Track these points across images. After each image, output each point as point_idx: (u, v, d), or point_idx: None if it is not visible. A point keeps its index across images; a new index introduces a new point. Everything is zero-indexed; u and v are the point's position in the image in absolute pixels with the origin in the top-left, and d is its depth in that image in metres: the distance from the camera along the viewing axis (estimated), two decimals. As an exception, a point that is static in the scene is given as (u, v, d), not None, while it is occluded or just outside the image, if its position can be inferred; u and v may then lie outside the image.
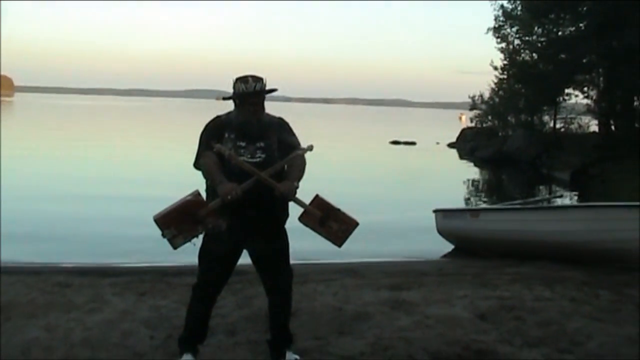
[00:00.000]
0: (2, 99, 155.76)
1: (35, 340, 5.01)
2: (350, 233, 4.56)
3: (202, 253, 4.49)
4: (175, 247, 4.29)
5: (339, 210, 4.51)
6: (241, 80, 4.37)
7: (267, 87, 4.42)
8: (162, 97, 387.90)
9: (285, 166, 4.42)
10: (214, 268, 4.50)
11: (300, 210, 4.44)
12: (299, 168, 4.43)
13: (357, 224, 4.55)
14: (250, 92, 4.33)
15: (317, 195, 4.50)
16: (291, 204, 4.41)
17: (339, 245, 4.58)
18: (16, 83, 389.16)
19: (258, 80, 4.37)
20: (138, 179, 19.31)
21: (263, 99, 4.47)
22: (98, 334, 5.24)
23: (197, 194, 4.27)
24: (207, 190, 4.40)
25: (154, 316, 5.82)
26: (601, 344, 5.31)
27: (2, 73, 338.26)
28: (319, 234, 4.53)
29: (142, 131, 46.57)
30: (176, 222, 4.20)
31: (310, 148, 4.57)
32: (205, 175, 4.38)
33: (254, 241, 4.44)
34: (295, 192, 4.31)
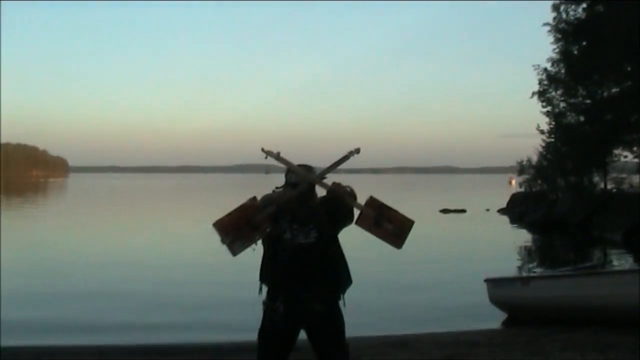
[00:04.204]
0: (52, 180, 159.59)
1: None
2: (407, 233, 4.43)
3: (261, 333, 4.63)
4: (234, 253, 4.38)
5: (392, 209, 4.44)
6: (293, 171, 4.57)
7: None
8: (213, 173, 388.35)
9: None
10: (273, 348, 4.60)
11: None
12: (349, 187, 4.54)
13: (412, 222, 4.45)
14: (300, 191, 4.48)
15: (370, 197, 4.51)
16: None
17: (399, 246, 4.46)
18: (71, 164, 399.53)
19: (308, 170, 4.58)
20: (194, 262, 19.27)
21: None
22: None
23: (253, 198, 4.42)
24: (261, 266, 4.57)
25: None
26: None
27: (57, 154, 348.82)
28: (377, 236, 4.44)
29: (191, 211, 47.07)
30: (234, 227, 4.32)
31: (357, 151, 4.54)
32: (264, 204, 4.45)
33: (309, 320, 4.55)
34: (346, 193, 4.42)
